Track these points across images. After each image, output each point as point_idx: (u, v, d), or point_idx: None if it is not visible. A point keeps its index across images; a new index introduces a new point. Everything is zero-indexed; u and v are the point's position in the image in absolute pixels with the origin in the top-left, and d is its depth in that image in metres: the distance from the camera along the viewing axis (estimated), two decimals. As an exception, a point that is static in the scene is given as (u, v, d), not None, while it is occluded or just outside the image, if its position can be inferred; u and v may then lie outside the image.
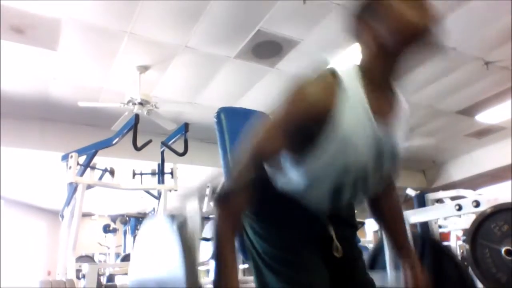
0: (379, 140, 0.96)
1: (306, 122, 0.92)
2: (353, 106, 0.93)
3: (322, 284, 0.99)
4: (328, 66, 0.99)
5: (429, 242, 1.36)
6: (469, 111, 5.84)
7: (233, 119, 1.37)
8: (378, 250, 1.54)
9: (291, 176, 1.00)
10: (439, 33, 0.94)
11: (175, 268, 0.89)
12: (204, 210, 4.82)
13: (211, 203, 4.68)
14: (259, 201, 0.99)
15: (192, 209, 1.04)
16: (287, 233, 1.02)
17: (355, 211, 1.21)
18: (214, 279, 0.91)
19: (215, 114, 1.38)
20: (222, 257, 0.92)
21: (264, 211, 1.05)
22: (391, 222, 1.20)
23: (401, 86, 1.05)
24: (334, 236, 1.05)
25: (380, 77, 0.98)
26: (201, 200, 4.84)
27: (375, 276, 1.19)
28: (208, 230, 3.77)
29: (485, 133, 6.64)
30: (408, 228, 1.43)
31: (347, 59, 4.30)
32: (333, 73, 0.96)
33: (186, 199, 1.08)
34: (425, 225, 2.74)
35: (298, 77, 0.96)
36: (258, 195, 0.96)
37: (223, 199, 0.96)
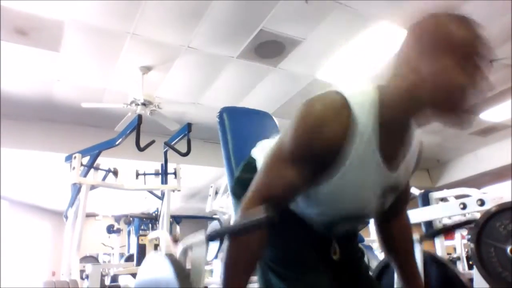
0: (384, 184, 0.91)
1: (314, 148, 0.83)
2: (364, 145, 0.84)
3: (326, 285, 0.98)
4: (339, 91, 0.86)
5: (437, 266, 1.34)
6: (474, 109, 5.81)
7: (235, 119, 1.36)
8: (385, 266, 1.52)
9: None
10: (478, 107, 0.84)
11: None
12: (207, 210, 4.83)
13: (214, 203, 4.68)
14: None
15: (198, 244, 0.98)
16: (288, 234, 1.01)
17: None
18: None
19: (218, 114, 1.37)
20: None
21: None
22: (400, 254, 1.14)
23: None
24: (333, 238, 1.04)
25: (399, 121, 0.86)
26: (203, 200, 4.83)
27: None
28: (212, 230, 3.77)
29: (489, 131, 6.61)
30: (419, 255, 1.40)
31: (347, 58, 4.30)
32: (344, 100, 0.83)
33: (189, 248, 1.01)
34: (429, 224, 2.73)
35: (305, 103, 0.86)
36: None
37: (234, 235, 0.87)
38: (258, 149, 1.11)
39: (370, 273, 1.32)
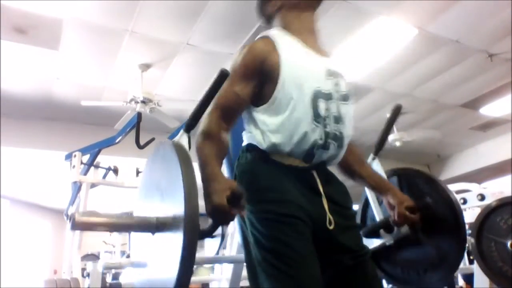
0: (323, 66, 1.16)
1: (257, 66, 1.11)
2: (290, 46, 1.15)
3: (313, 277, 0.97)
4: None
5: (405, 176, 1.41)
6: (474, 104, 5.80)
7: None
8: (365, 207, 1.57)
9: (263, 121, 1.11)
10: None
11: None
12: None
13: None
14: (252, 183, 1.06)
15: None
16: (281, 219, 1.01)
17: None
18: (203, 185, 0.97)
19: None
20: (207, 168, 1.01)
21: (257, 192, 1.06)
22: (367, 174, 1.32)
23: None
24: (326, 206, 1.07)
25: (298, 25, 1.24)
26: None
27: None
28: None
29: (490, 126, 6.60)
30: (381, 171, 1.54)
31: (346, 53, 4.29)
32: (265, 34, 1.19)
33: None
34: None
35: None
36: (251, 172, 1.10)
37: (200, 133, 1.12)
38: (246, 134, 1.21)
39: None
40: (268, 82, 1.11)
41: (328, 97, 1.12)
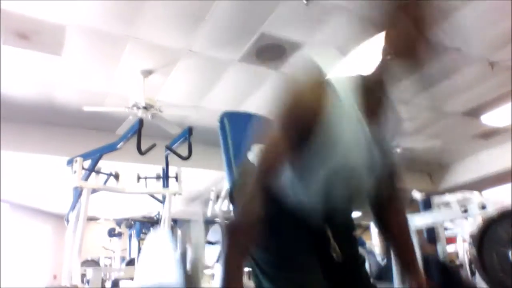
0: (370, 141, 0.99)
1: (301, 126, 0.95)
2: (344, 109, 0.96)
3: (317, 285, 0.98)
4: (315, 65, 1.02)
5: (437, 263, 1.35)
6: (475, 112, 5.80)
7: (236, 124, 1.36)
8: (386, 262, 1.54)
9: (284, 179, 1.01)
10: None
11: None
12: (208, 214, 4.82)
13: (215, 207, 4.67)
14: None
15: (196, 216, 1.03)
16: (283, 237, 1.02)
17: (352, 215, 1.20)
18: None
19: (218, 119, 1.37)
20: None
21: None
22: (398, 239, 1.18)
23: (395, 90, 1.06)
24: (331, 236, 1.05)
25: (371, 80, 1.02)
26: (205, 204, 4.83)
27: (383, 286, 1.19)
28: (213, 233, 3.76)
29: (491, 134, 6.59)
30: (415, 244, 1.43)
31: (349, 61, 4.29)
32: (323, 76, 0.99)
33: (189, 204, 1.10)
34: (431, 231, 2.71)
35: (289, 80, 1.00)
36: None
37: (233, 230, 0.94)
38: (254, 152, 1.13)
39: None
40: None
41: None
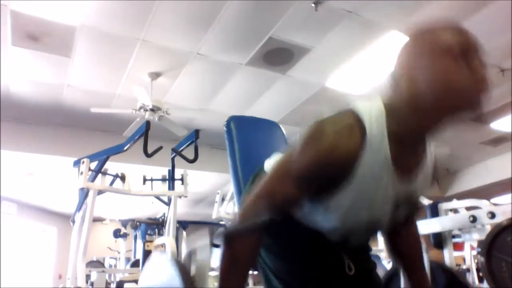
0: (398, 196, 0.90)
1: (324, 172, 0.83)
2: (375, 159, 0.83)
3: None
4: (351, 106, 0.87)
5: (445, 276, 1.33)
6: (484, 118, 5.74)
7: (243, 128, 1.35)
8: (393, 275, 1.52)
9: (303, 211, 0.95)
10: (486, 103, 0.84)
11: None
12: (213, 216, 4.82)
13: (220, 209, 4.67)
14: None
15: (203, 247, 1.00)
16: (297, 246, 1.01)
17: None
18: None
19: (225, 123, 1.36)
20: None
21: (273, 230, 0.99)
22: (409, 261, 1.12)
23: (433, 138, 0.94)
24: (345, 258, 1.02)
25: (409, 133, 0.86)
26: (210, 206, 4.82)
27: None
28: (219, 237, 3.75)
29: (500, 141, 6.52)
30: (426, 264, 1.40)
31: (357, 66, 4.28)
32: (358, 119, 0.83)
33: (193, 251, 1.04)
34: (438, 236, 2.68)
35: (319, 118, 0.86)
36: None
37: (229, 239, 0.88)
38: (271, 161, 1.08)
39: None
40: None
41: None
